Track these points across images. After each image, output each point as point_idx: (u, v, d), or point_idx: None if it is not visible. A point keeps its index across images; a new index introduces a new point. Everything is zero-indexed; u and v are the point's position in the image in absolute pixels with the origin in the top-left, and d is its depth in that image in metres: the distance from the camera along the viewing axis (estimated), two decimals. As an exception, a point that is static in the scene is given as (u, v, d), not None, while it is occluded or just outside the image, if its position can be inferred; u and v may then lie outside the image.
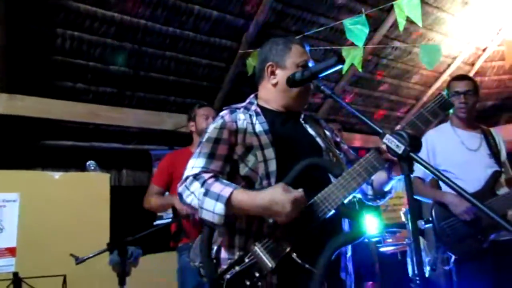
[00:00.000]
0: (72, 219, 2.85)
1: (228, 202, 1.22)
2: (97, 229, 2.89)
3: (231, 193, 1.23)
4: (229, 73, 4.09)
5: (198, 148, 1.40)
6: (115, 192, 3.17)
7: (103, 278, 2.30)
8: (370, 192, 1.51)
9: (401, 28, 3.02)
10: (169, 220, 2.23)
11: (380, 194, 1.49)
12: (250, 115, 1.44)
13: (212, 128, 1.40)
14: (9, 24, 2.93)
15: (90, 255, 2.07)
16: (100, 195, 3.05)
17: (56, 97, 3.37)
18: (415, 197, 2.29)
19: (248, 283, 1.24)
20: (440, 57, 3.34)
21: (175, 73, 3.86)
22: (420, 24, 2.92)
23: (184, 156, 2.56)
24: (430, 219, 2.32)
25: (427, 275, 2.39)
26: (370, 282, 3.57)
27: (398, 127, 1.28)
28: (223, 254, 1.33)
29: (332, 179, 1.33)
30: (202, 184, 1.28)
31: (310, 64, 1.47)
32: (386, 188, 1.46)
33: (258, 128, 1.40)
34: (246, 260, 1.26)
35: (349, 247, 1.45)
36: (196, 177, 1.31)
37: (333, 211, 1.27)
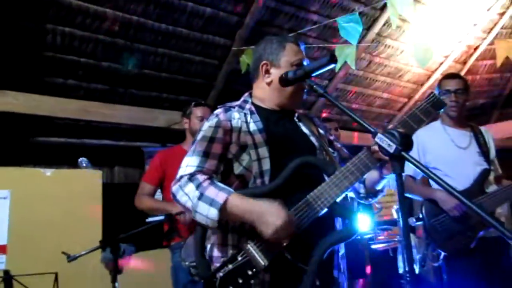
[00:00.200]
0: (64, 216, 2.83)
1: (222, 208, 1.23)
2: (89, 227, 2.87)
3: (226, 199, 1.24)
4: (222, 70, 4.08)
5: (192, 146, 1.40)
6: (107, 189, 3.16)
7: (95, 276, 2.29)
8: (362, 190, 1.52)
9: (394, 26, 3.05)
10: (162, 217, 2.21)
11: (372, 192, 1.50)
12: (245, 114, 1.44)
13: (207, 127, 1.40)
14: (-1, 19, 2.90)
15: (83, 253, 2.05)
16: (92, 192, 3.03)
17: (47, 93, 3.35)
18: (406, 195, 2.32)
19: (241, 281, 1.25)
20: (432, 56, 3.36)
21: (168, 70, 3.84)
22: (412, 22, 2.94)
23: (176, 153, 2.54)
24: (421, 216, 2.34)
25: (417, 271, 2.42)
26: (361, 279, 3.59)
27: (390, 126, 1.29)
28: (216, 252, 1.33)
29: (325, 177, 1.34)
30: (197, 187, 1.28)
31: (305, 63, 1.47)
32: (378, 187, 1.47)
33: (253, 127, 1.40)
34: (239, 258, 1.27)
35: (342, 245, 1.47)
36: (191, 178, 1.31)
37: (326, 210, 1.28)
